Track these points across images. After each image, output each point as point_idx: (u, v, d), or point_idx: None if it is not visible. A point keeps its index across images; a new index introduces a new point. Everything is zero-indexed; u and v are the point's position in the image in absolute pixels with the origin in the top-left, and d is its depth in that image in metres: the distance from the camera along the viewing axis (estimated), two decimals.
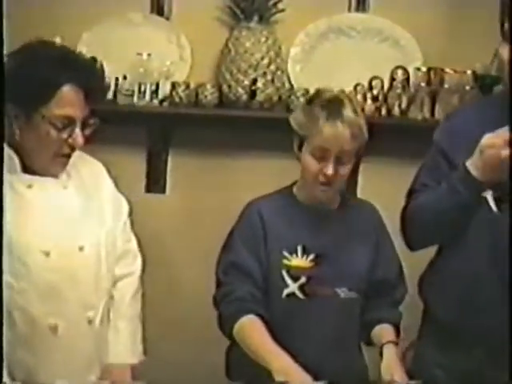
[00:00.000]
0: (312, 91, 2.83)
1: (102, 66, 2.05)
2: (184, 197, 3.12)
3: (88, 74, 1.94)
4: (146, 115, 2.93)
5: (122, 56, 2.96)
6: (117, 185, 2.86)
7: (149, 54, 2.92)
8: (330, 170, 1.97)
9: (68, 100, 1.88)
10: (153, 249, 3.06)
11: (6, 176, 1.85)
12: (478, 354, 2.02)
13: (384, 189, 3.05)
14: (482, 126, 1.99)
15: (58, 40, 2.47)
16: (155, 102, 2.88)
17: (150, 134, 3.05)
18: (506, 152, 1.85)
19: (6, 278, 1.81)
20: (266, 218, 2.07)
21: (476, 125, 2.01)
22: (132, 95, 2.86)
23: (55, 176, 1.98)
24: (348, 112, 1.97)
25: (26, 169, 1.95)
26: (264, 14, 2.88)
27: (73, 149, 1.94)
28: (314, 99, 2.05)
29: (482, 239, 1.97)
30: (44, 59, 1.88)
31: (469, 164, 1.93)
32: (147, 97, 2.87)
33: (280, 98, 2.89)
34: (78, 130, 1.90)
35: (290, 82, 3.01)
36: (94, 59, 2.07)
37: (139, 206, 3.06)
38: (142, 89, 2.87)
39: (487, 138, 1.90)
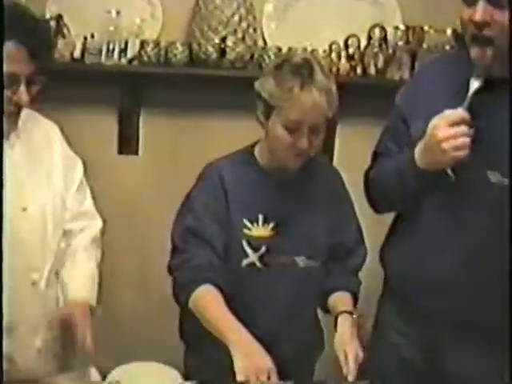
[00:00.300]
0: (284, 50, 2.80)
1: (47, 22, 1.97)
2: (157, 158, 3.07)
3: (30, 31, 1.87)
4: (114, 74, 2.86)
5: (90, 14, 2.90)
6: (87, 146, 2.85)
7: (118, 12, 2.84)
8: (304, 144, 1.86)
9: (10, 57, 1.83)
10: (126, 209, 3.08)
11: None
12: (435, 326, 1.97)
13: (361, 149, 2.97)
14: (442, 89, 1.91)
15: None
16: (123, 61, 2.81)
17: (120, 95, 2.98)
18: (447, 144, 1.69)
19: None
20: (227, 181, 1.97)
21: (436, 87, 1.92)
22: (100, 54, 2.79)
23: (5, 135, 1.93)
24: (320, 77, 1.85)
25: None
26: None
27: (18, 107, 1.87)
28: (283, 64, 1.90)
29: (439, 205, 1.88)
30: None
31: (417, 150, 1.80)
32: (115, 56, 2.81)
33: (252, 56, 2.81)
34: (22, 88, 1.84)
35: (264, 40, 2.93)
36: (45, 20, 1.98)
37: (112, 168, 3.07)
38: (111, 47, 2.80)
39: (434, 120, 1.74)
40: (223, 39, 2.75)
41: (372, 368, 2.16)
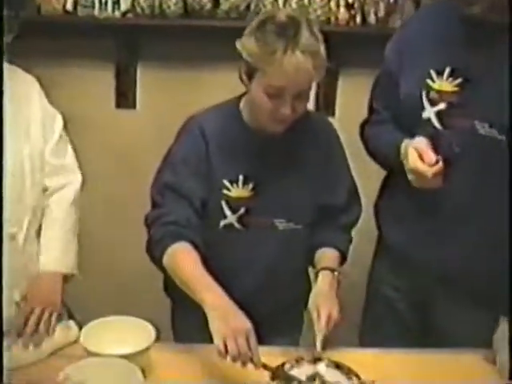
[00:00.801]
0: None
1: None
2: (155, 112, 3.04)
3: None
4: (109, 27, 2.82)
5: None
6: (84, 100, 2.83)
7: None
8: (287, 111, 1.75)
9: None
10: (123, 163, 3.06)
11: None
12: (427, 281, 1.97)
13: (363, 102, 2.91)
14: (428, 41, 1.87)
15: None
16: (117, 13, 2.77)
17: (116, 48, 2.94)
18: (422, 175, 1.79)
19: None
20: (208, 137, 1.88)
21: (423, 39, 1.89)
22: (93, 7, 2.74)
23: None
24: (307, 38, 1.69)
25: None
26: None
27: None
28: (267, 22, 1.73)
29: None
30: None
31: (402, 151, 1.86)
32: (109, 8, 2.76)
33: (248, 6, 2.74)
34: None
35: None
36: None
37: (110, 122, 3.04)
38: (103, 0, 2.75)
39: (407, 148, 1.82)
40: None
41: (366, 321, 2.18)
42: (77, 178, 2.12)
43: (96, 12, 2.76)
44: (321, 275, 1.90)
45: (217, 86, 2.93)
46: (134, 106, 3.01)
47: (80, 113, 2.78)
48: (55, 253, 1.99)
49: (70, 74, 2.93)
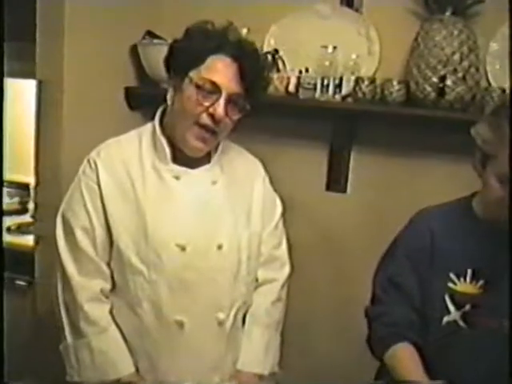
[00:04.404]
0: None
1: (256, 47, 2.00)
2: (364, 198, 2.97)
3: (243, 48, 1.90)
4: (327, 110, 2.81)
5: (306, 49, 2.89)
6: (295, 180, 2.81)
7: (334, 47, 2.80)
8: None
9: (216, 68, 1.86)
10: (328, 248, 3.01)
11: (157, 164, 1.86)
12: None
13: None
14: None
15: (244, 31, 2.43)
16: (337, 97, 2.76)
17: (333, 130, 2.93)
18: None
19: (137, 264, 1.84)
20: (436, 231, 1.87)
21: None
22: (314, 89, 2.75)
23: (203, 160, 1.94)
24: None
25: (177, 160, 1.93)
26: (459, 6, 2.64)
27: (215, 121, 1.87)
28: (501, 109, 1.77)
29: None
30: (197, 32, 1.90)
31: None
32: (330, 91, 2.76)
33: (473, 97, 2.64)
34: (222, 101, 1.85)
35: (487, 80, 2.75)
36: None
37: (319, 204, 3.01)
38: (325, 83, 2.75)
39: None
40: (442, 78, 2.60)
41: None
42: (285, 273, 2.10)
43: (317, 95, 2.76)
44: None
45: (429, 177, 2.86)
46: (344, 191, 2.96)
47: (289, 193, 2.77)
48: (254, 355, 1.99)
49: (283, 153, 2.95)
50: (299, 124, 2.93)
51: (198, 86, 1.85)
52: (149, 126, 2.03)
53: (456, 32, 2.62)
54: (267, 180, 2.10)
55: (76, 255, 1.92)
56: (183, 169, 1.94)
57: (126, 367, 1.89)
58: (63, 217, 1.98)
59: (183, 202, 1.91)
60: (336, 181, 2.95)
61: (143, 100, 2.99)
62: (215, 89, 1.84)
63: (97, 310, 1.92)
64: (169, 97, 1.93)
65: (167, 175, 1.93)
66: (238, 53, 1.88)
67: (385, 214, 2.90)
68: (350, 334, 2.88)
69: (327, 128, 2.94)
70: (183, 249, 1.86)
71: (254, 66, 1.91)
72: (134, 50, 2.99)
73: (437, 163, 2.84)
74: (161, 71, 2.61)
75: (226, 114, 1.84)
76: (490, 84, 2.73)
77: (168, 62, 1.96)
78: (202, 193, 1.93)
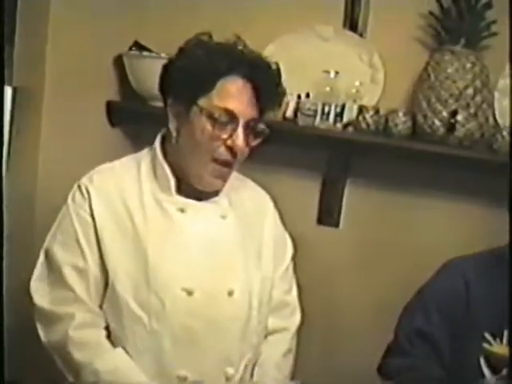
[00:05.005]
0: None
1: (276, 64, 1.80)
2: (357, 234, 2.79)
3: (256, 67, 1.69)
4: (327, 139, 2.63)
5: (306, 72, 2.70)
6: (286, 212, 2.61)
7: (337, 72, 2.62)
8: None
9: (229, 93, 1.65)
10: (320, 284, 2.81)
11: (158, 195, 1.64)
12: None
13: None
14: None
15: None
16: (338, 125, 2.58)
17: (328, 160, 2.75)
18: None
19: (136, 310, 1.59)
20: (472, 284, 1.74)
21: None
22: (314, 116, 2.57)
23: (212, 191, 1.72)
24: None
25: (181, 190, 1.71)
26: (473, 37, 2.50)
27: (233, 154, 1.66)
28: None
29: None
30: (201, 50, 1.68)
31: None
32: (331, 119, 2.58)
33: (483, 135, 2.50)
34: (240, 131, 1.64)
35: (494, 117, 2.61)
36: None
37: (309, 238, 2.82)
38: (326, 110, 2.57)
39: None
40: (453, 113, 2.45)
41: None
42: (296, 321, 1.90)
43: (316, 122, 2.57)
44: None
45: (427, 214, 2.70)
46: (336, 225, 2.78)
47: None
48: None
49: (277, 182, 2.75)
50: (293, 152, 2.74)
51: (210, 116, 1.63)
52: (145, 152, 1.81)
53: (469, 65, 2.48)
54: (278, 217, 1.90)
55: (58, 294, 1.67)
56: (189, 201, 1.73)
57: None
58: (47, 252, 1.73)
59: (189, 238, 1.70)
60: (328, 214, 2.76)
61: (126, 116, 2.75)
62: (231, 118, 1.63)
63: (89, 333, 1.69)
64: (172, 127, 1.71)
65: (170, 207, 1.71)
66: (251, 72, 1.68)
67: (378, 252, 2.73)
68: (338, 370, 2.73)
69: (322, 157, 2.75)
70: (190, 294, 1.64)
71: (269, 84, 1.72)
72: (118, 61, 2.75)
73: (435, 200, 2.69)
74: (148, 87, 2.42)
75: (246, 143, 1.64)
76: (496, 121, 2.59)
77: (163, 85, 1.74)
78: (210, 229, 1.72)
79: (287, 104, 2.61)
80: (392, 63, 2.68)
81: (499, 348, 1.66)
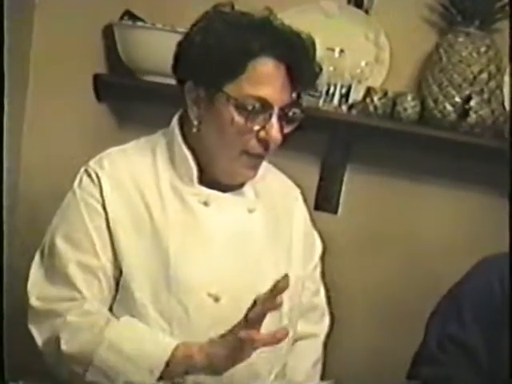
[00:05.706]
0: None
1: (312, 40, 1.61)
2: (356, 221, 2.66)
3: (292, 46, 1.50)
4: (329, 122, 2.48)
5: None
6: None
7: (341, 51, 2.47)
8: None
9: (262, 77, 1.46)
10: None
11: (177, 185, 1.47)
12: None
13: None
14: None
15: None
16: (343, 107, 2.43)
17: (329, 144, 2.59)
18: None
19: (156, 318, 1.40)
20: (506, 282, 1.59)
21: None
22: (318, 97, 2.42)
23: (240, 185, 1.56)
24: None
25: (202, 179, 1.54)
26: (487, 19, 2.37)
27: (266, 147, 1.50)
28: None
29: None
30: (227, 25, 1.46)
31: None
32: (335, 100, 2.43)
33: (494, 122, 2.38)
34: (274, 120, 1.46)
35: (502, 104, 2.49)
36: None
37: None
38: (331, 91, 2.42)
39: None
40: (467, 98, 2.32)
41: None
42: (325, 325, 1.74)
43: (320, 103, 2.42)
44: None
45: (428, 201, 2.59)
46: (335, 211, 2.64)
47: None
48: None
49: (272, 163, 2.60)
50: (291, 133, 2.57)
51: (240, 107, 1.45)
52: (159, 136, 1.62)
53: (483, 48, 2.37)
54: (306, 210, 1.75)
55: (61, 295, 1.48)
56: (213, 192, 1.55)
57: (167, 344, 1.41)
58: (48, 248, 1.53)
59: (214, 235, 1.52)
60: (327, 200, 2.62)
61: (114, 91, 2.56)
62: (265, 107, 1.46)
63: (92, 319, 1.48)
64: (193, 115, 1.51)
65: (192, 199, 1.53)
66: (286, 53, 1.50)
67: (377, 240, 2.61)
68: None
69: (322, 140, 2.61)
70: (217, 299, 1.47)
71: (305, 64, 1.54)
72: (107, 32, 2.55)
73: (436, 188, 2.58)
74: (140, 59, 2.25)
75: (281, 133, 1.48)
76: (504, 108, 2.48)
77: (179, 66, 1.54)
78: (237, 224, 1.55)
79: None
80: (397, 42, 2.55)
81: None
